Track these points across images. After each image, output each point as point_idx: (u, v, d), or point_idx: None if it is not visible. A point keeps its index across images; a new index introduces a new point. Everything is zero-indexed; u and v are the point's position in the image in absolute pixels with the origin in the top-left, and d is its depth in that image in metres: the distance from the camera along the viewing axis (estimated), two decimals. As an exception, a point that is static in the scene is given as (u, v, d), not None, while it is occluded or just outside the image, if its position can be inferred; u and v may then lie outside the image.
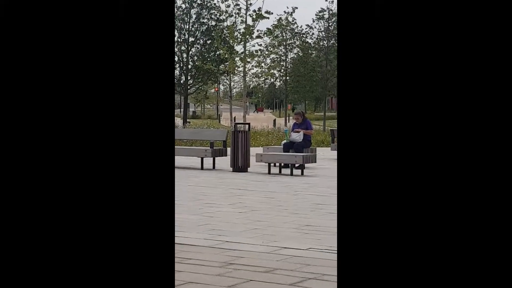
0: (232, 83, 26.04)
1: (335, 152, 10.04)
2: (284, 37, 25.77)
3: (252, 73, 21.13)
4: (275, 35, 14.73)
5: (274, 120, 28.47)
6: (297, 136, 7.74)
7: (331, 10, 25.81)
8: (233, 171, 6.93)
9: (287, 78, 28.05)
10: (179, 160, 7.14)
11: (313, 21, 26.93)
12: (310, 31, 26.73)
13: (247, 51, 14.26)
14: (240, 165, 6.92)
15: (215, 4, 21.80)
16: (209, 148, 7.40)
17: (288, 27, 24.54)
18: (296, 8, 16.91)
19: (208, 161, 7.37)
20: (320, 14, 26.54)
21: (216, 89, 34.63)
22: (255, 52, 14.13)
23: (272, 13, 13.87)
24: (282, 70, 28.18)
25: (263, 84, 31.45)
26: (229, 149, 7.23)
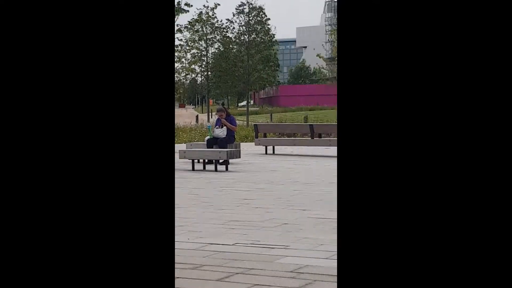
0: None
1: (259, 147, 10.17)
2: (205, 32, 25.61)
3: (172, 69, 20.74)
4: (196, 29, 14.59)
5: (197, 116, 28.09)
6: (221, 132, 7.76)
7: (251, 4, 26.16)
8: (155, 169, 6.80)
9: (209, 73, 27.94)
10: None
11: (234, 15, 27.19)
12: (231, 26, 26.93)
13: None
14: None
15: None
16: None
17: (209, 22, 24.64)
18: (219, 4, 16.68)
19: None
20: (240, 8, 26.88)
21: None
22: (175, 47, 13.99)
23: (191, 6, 13.88)
24: (203, 65, 27.99)
25: (184, 80, 30.97)
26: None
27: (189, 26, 13.79)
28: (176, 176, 5.04)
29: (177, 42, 14.81)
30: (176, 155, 6.97)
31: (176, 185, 5.21)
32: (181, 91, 32.76)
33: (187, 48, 18.06)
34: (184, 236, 2.83)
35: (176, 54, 14.76)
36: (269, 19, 25.24)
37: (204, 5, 18.21)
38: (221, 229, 3.12)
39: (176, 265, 2.20)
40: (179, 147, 8.48)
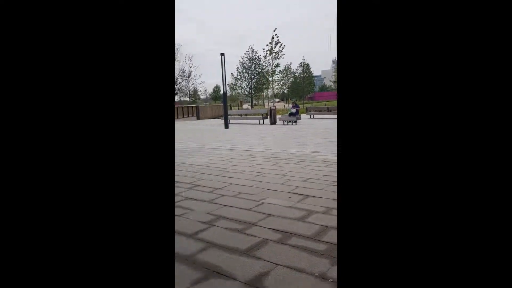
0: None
1: (308, 116, 25.84)
2: (286, 74, 51.44)
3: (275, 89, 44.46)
4: (284, 74, 40.72)
5: (284, 105, 58.01)
6: (293, 110, 16.74)
7: (304, 61, 61.07)
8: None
9: (288, 89, 57.61)
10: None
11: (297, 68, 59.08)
12: (297, 71, 58.12)
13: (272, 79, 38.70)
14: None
15: (259, 58, 43.91)
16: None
17: (290, 70, 53.10)
18: (308, 64, 49.72)
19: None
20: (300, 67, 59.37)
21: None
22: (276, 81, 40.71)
23: (279, 64, 37.43)
24: (286, 86, 54.64)
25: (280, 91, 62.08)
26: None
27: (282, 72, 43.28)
28: (275, 127, 15.60)
29: (275, 78, 40.16)
30: (278, 117, 15.92)
31: (278, 129, 15.42)
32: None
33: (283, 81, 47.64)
34: (294, 145, 9.98)
35: (276, 84, 39.40)
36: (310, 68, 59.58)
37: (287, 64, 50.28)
38: (298, 144, 9.18)
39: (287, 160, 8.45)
40: (279, 117, 17.15)
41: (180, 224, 2.72)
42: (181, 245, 2.32)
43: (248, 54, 43.32)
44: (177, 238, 2.43)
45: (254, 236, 2.40)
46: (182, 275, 1.92)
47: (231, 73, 45.00)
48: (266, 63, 39.58)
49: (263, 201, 3.23)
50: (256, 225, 2.60)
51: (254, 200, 3.25)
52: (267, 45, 36.51)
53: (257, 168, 4.84)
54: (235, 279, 1.85)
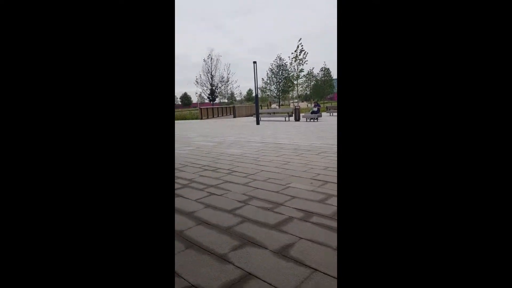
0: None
1: (328, 114, 23.04)
2: (309, 77, 49.80)
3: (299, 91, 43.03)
4: (307, 77, 40.42)
5: (307, 105, 55.04)
6: (315, 108, 16.16)
7: (325, 66, 58.18)
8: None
9: (310, 90, 54.72)
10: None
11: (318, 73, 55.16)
12: (319, 75, 53.67)
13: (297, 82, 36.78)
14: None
15: (285, 64, 42.11)
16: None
17: (312, 74, 50.54)
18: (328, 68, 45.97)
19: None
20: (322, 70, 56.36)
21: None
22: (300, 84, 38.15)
23: (303, 69, 37.02)
24: (308, 88, 51.72)
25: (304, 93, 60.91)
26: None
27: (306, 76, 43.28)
28: (299, 123, 15.42)
29: (300, 81, 40.76)
30: (301, 115, 15.59)
31: (302, 125, 15.34)
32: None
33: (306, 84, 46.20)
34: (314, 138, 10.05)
35: (300, 87, 38.76)
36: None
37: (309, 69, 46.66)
38: (319, 138, 9.19)
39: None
40: (302, 115, 16.83)
41: (220, 202, 2.80)
42: (222, 218, 2.40)
43: (276, 61, 43.60)
44: (218, 213, 2.51)
45: (281, 214, 2.45)
46: (223, 242, 2.00)
47: (262, 78, 45.24)
48: (291, 68, 39.57)
49: (289, 185, 3.25)
50: (283, 205, 2.64)
51: (281, 184, 3.28)
52: (292, 53, 37.52)
53: (283, 158, 4.82)
54: (266, 248, 1.90)
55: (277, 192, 3.02)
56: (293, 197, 2.85)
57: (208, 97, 39.65)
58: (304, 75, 42.19)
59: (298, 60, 37.42)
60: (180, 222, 2.36)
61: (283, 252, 1.83)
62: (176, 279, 1.62)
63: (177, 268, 1.72)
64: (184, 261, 1.79)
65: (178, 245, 1.98)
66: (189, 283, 1.59)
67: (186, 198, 2.96)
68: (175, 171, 4.19)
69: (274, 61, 45.33)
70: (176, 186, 3.44)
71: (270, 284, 1.54)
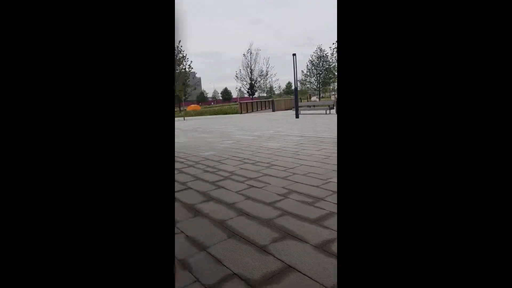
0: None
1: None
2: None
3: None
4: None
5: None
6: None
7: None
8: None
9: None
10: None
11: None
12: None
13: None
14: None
15: (326, 55, 40.38)
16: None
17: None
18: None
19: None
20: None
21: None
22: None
23: None
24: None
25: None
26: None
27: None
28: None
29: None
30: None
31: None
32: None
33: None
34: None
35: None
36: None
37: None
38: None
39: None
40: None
41: (261, 194, 2.84)
42: (262, 210, 2.44)
43: (317, 53, 42.45)
44: (258, 205, 2.56)
45: (322, 208, 2.43)
46: (264, 233, 2.04)
47: (301, 70, 44.64)
48: (332, 59, 38.10)
49: (330, 180, 3.21)
50: (324, 200, 2.62)
51: (322, 179, 3.25)
52: (333, 43, 35.56)
53: (324, 152, 4.79)
54: (306, 242, 1.91)
55: (317, 186, 3.00)
56: (334, 192, 2.81)
57: (248, 92, 39.96)
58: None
59: (340, 51, 36.70)
60: (222, 212, 2.44)
61: (324, 247, 1.83)
62: (219, 267, 1.69)
63: (220, 256, 1.80)
64: (227, 249, 1.86)
65: (221, 234, 2.06)
66: (231, 271, 1.65)
67: (227, 189, 3.05)
68: (217, 163, 4.30)
69: (314, 52, 43.97)
70: (218, 178, 3.55)
71: (311, 278, 1.55)
